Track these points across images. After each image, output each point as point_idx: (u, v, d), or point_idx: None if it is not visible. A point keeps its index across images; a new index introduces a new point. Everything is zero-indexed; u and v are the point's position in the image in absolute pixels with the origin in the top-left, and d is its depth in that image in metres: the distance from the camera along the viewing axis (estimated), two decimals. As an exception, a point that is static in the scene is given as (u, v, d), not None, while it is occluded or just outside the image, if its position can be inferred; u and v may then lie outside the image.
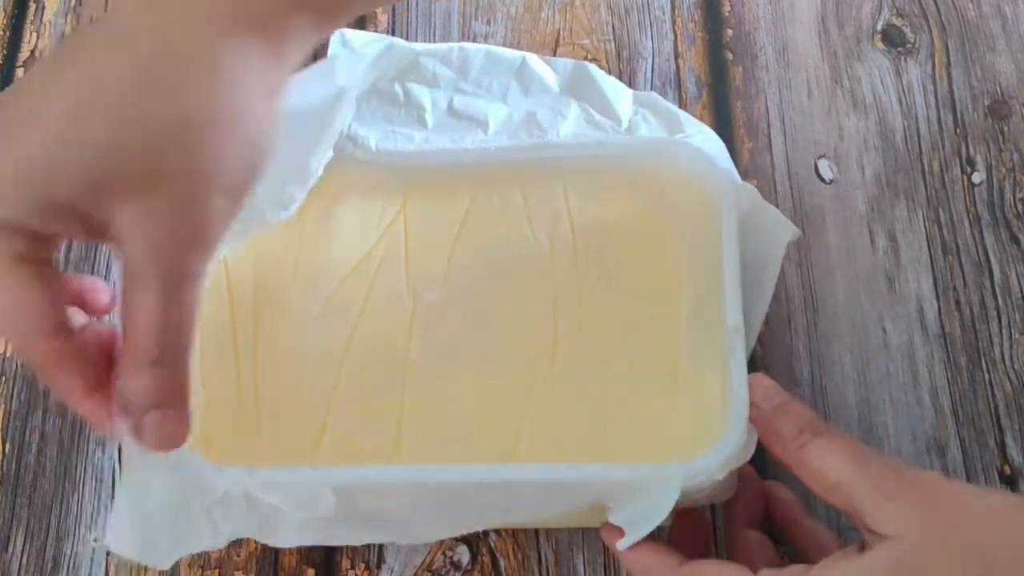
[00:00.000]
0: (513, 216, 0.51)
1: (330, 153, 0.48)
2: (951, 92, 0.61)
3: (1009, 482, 0.52)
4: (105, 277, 0.59)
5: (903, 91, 0.61)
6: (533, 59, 0.53)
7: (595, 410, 0.47)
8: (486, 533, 0.52)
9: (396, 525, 0.45)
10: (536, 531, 0.52)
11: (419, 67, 0.52)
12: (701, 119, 0.55)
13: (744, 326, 0.46)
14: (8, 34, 0.67)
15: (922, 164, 0.59)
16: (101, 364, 0.39)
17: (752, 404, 0.43)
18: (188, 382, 0.37)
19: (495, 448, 0.46)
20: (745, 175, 0.58)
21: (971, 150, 0.60)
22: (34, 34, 0.67)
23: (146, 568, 0.52)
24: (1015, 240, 0.57)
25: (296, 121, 0.42)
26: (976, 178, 0.59)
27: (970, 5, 0.64)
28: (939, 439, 0.54)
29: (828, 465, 0.41)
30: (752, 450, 0.44)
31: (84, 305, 0.41)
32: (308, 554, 0.52)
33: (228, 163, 0.36)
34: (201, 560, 0.52)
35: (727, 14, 0.65)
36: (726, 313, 0.46)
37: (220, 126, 0.35)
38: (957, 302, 0.56)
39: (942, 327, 0.56)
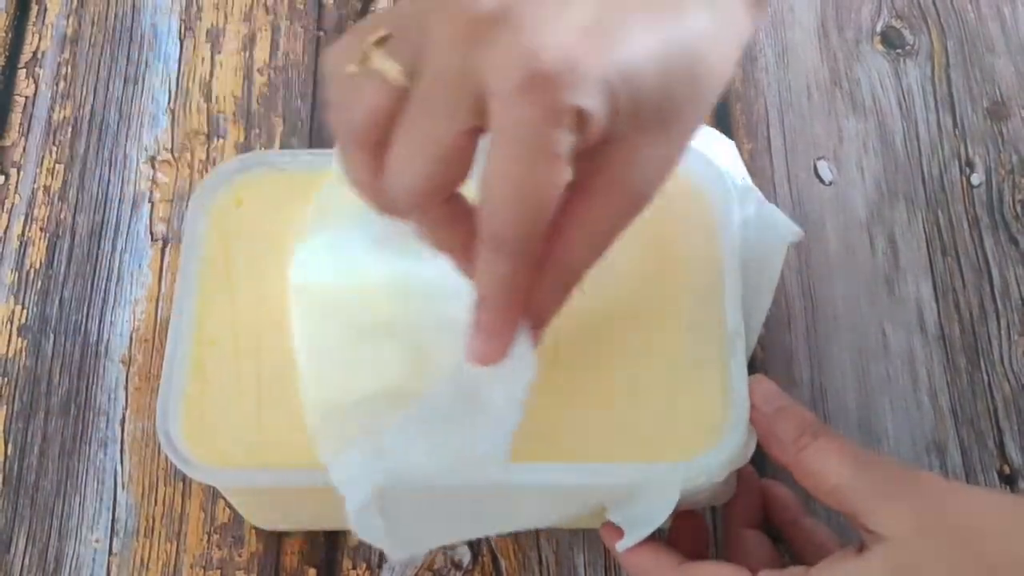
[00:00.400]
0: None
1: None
2: (950, 94, 0.62)
3: (1008, 482, 0.53)
4: (106, 279, 0.59)
5: (902, 93, 0.62)
6: None
7: (595, 411, 0.47)
8: (487, 533, 0.52)
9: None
10: (536, 531, 0.52)
11: None
12: (701, 121, 0.55)
13: (744, 328, 0.46)
14: (10, 35, 0.67)
15: (921, 166, 0.60)
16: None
17: (752, 407, 0.44)
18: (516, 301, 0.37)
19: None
20: (745, 177, 0.58)
21: (970, 152, 0.60)
22: (36, 35, 0.67)
23: (147, 569, 0.52)
24: (1014, 242, 0.58)
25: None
26: (975, 180, 0.59)
27: (969, 7, 0.64)
28: (938, 440, 0.54)
29: (827, 468, 0.41)
30: (752, 451, 0.44)
31: None
32: (309, 554, 0.52)
33: (708, 103, 0.37)
34: (203, 561, 0.52)
35: (727, 16, 0.65)
36: (726, 314, 0.46)
37: (716, 64, 0.36)
38: (956, 304, 0.56)
39: (941, 329, 0.56)
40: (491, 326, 0.38)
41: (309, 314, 0.48)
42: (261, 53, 0.66)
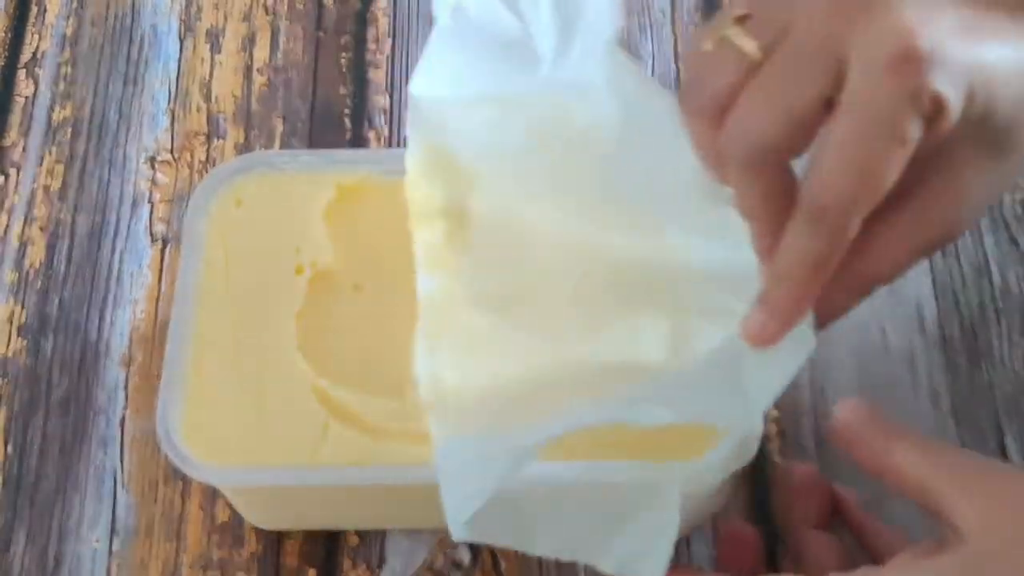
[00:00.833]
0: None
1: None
2: (950, 94, 0.62)
3: (1008, 483, 0.53)
4: (106, 279, 0.59)
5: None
6: None
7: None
8: (487, 533, 0.52)
9: None
10: (537, 531, 0.52)
11: None
12: (701, 121, 0.55)
13: None
14: (10, 36, 0.67)
15: (921, 166, 0.60)
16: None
17: (838, 420, 0.43)
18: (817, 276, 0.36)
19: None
20: (745, 177, 0.58)
21: (970, 152, 0.60)
22: (36, 36, 0.67)
23: (147, 569, 0.52)
24: (1014, 242, 0.58)
25: None
26: (975, 180, 0.59)
27: (969, 7, 0.64)
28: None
29: (908, 465, 0.40)
30: (753, 452, 0.44)
31: None
32: (309, 553, 0.52)
33: None
34: (202, 561, 0.52)
35: (727, 16, 0.65)
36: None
37: None
38: (956, 304, 0.56)
39: (941, 329, 0.56)
40: (781, 304, 0.37)
41: (432, 257, 0.48)
42: (261, 53, 0.66)
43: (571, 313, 0.46)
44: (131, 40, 0.66)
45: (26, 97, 0.65)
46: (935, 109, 0.34)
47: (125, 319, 0.58)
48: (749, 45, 0.35)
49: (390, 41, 0.66)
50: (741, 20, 0.35)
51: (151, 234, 0.60)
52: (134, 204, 0.61)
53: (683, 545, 0.51)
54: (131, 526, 0.53)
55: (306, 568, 0.52)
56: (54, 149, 0.63)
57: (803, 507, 0.46)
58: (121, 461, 0.54)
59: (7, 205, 0.61)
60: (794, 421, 0.54)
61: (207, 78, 0.65)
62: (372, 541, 0.52)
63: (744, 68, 0.35)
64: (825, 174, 0.35)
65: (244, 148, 0.63)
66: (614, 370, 0.45)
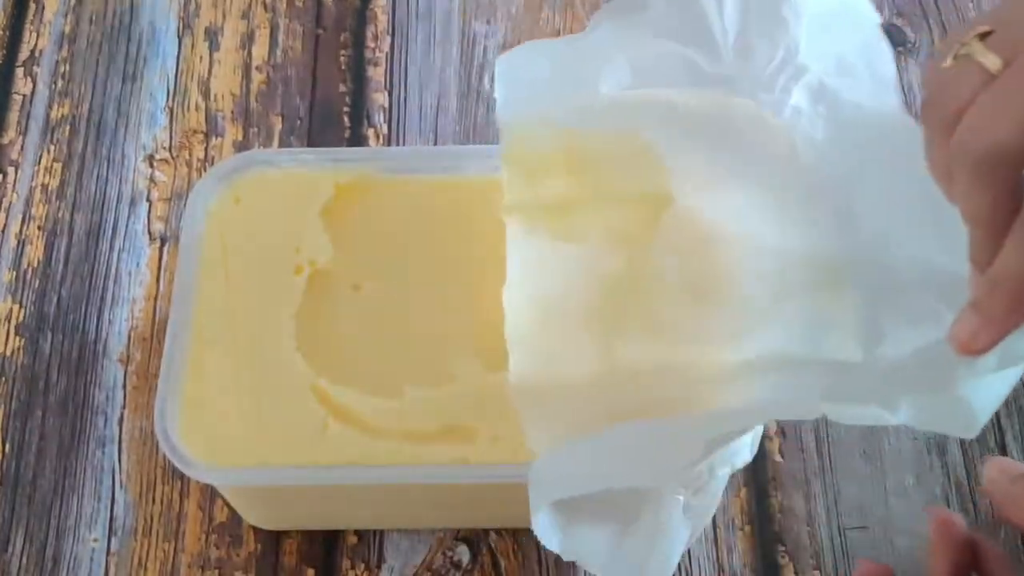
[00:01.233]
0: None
1: None
2: (951, 92, 0.61)
3: (1009, 482, 0.53)
4: (104, 277, 0.59)
5: (904, 90, 0.61)
6: None
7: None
8: (486, 533, 0.52)
9: None
10: (536, 531, 0.52)
11: None
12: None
13: None
14: (8, 34, 0.67)
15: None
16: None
17: (990, 480, 0.44)
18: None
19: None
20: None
21: (971, 150, 0.60)
22: (34, 34, 0.67)
23: (145, 568, 0.52)
24: None
25: None
26: (976, 178, 0.59)
27: (970, 4, 0.64)
28: (939, 439, 0.53)
29: None
30: (752, 453, 0.44)
31: None
32: (308, 553, 0.52)
33: None
34: (201, 560, 0.52)
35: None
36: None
37: None
38: (957, 302, 0.56)
39: (942, 327, 0.56)
40: (995, 311, 0.36)
41: (525, 254, 0.48)
42: (260, 51, 0.66)
43: (748, 306, 0.46)
44: (129, 38, 0.66)
45: (24, 95, 0.64)
46: None
47: (123, 318, 0.58)
48: (991, 60, 0.35)
49: (389, 39, 0.66)
50: (983, 36, 0.35)
51: (149, 233, 0.60)
52: (132, 203, 0.61)
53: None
54: (129, 525, 0.53)
55: (305, 568, 0.52)
56: (52, 147, 0.63)
57: (943, 560, 0.44)
58: (119, 460, 0.54)
59: (5, 204, 0.61)
60: (795, 420, 0.54)
61: (206, 76, 0.65)
62: (371, 541, 0.52)
63: (985, 82, 0.35)
64: None
65: (243, 146, 0.63)
66: (795, 364, 0.44)
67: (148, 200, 0.61)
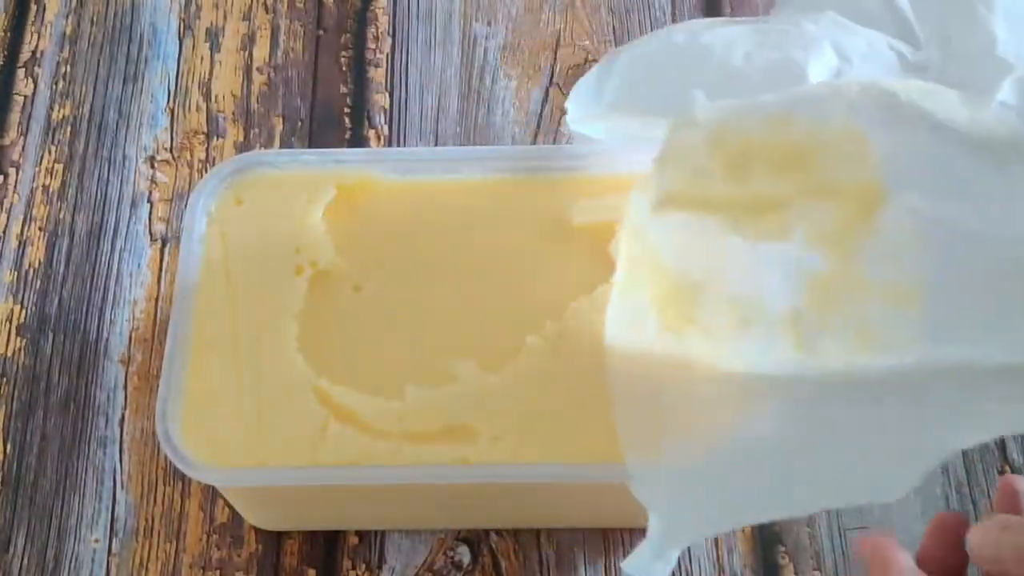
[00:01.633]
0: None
1: None
2: (951, 93, 0.61)
3: (1009, 483, 0.52)
4: (106, 278, 0.59)
5: None
6: None
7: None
8: (487, 533, 0.52)
9: None
10: (537, 531, 0.52)
11: None
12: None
13: None
14: (9, 35, 0.67)
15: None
16: None
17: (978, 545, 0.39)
18: None
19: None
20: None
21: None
22: (35, 35, 0.67)
23: (147, 569, 0.52)
24: None
25: None
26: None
27: (970, 6, 0.64)
28: (939, 440, 0.53)
29: None
30: None
31: None
32: (309, 554, 0.52)
33: None
34: (202, 561, 0.52)
35: (727, 14, 0.65)
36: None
37: None
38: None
39: (942, 328, 0.56)
40: None
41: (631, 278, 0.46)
42: (261, 52, 0.66)
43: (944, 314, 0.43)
44: (131, 39, 0.66)
45: (25, 96, 0.65)
46: None
47: (124, 319, 0.58)
48: None
49: (390, 40, 0.66)
50: None
51: (150, 233, 0.60)
52: (133, 203, 0.61)
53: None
54: (130, 526, 0.53)
55: (305, 568, 0.52)
56: (53, 148, 0.63)
57: (927, 549, 0.41)
58: (120, 461, 0.54)
59: (6, 205, 0.61)
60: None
61: (207, 77, 0.65)
62: (372, 541, 0.52)
63: None
64: None
65: (244, 147, 0.63)
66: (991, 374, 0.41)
67: (149, 201, 0.61)
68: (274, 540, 0.52)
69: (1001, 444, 0.53)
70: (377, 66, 0.65)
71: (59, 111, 0.64)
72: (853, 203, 0.44)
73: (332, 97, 0.64)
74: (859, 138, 0.44)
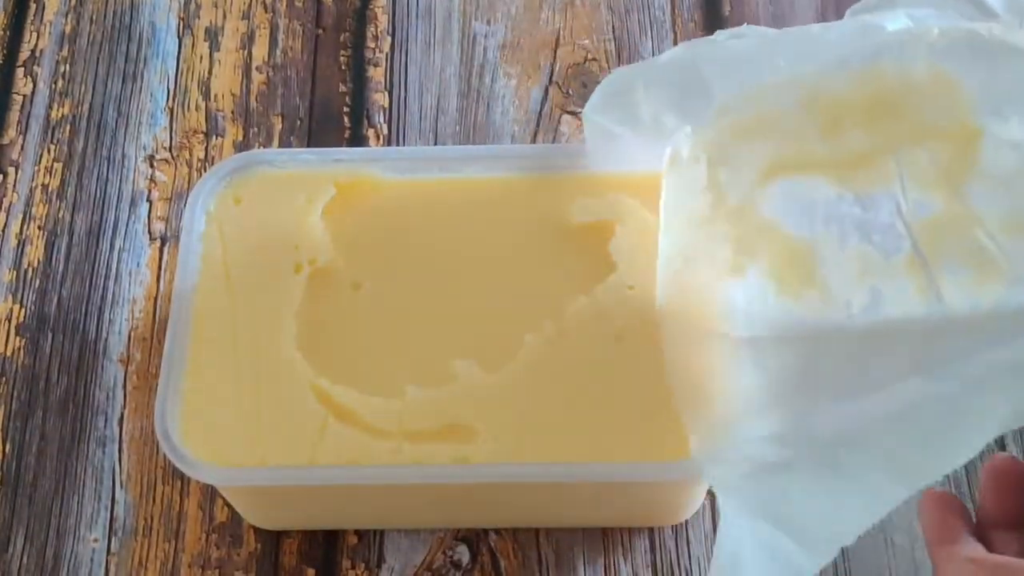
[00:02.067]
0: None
1: None
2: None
3: (1009, 482, 0.52)
4: (105, 277, 0.59)
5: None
6: None
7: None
8: (486, 533, 0.52)
9: None
10: (536, 531, 0.52)
11: None
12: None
13: None
14: (8, 34, 0.67)
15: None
16: None
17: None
18: None
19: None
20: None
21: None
22: (34, 34, 0.67)
23: (146, 568, 0.52)
24: None
25: None
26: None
27: (970, 5, 0.64)
28: (939, 439, 0.53)
29: None
30: None
31: None
32: (308, 553, 0.52)
33: None
34: (201, 560, 0.52)
35: (727, 14, 0.65)
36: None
37: None
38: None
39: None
40: None
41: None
42: (260, 51, 0.66)
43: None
44: (130, 38, 0.66)
45: (24, 95, 0.64)
46: None
47: (124, 318, 0.58)
48: None
49: (389, 39, 0.66)
50: None
51: (150, 232, 0.60)
52: (133, 202, 0.61)
53: (682, 540, 0.51)
54: (130, 525, 0.53)
55: (305, 568, 0.52)
56: (52, 147, 0.63)
57: (987, 501, 0.40)
58: (119, 460, 0.54)
59: (5, 204, 0.61)
60: None
61: (206, 76, 0.65)
62: (371, 541, 0.52)
63: None
64: None
65: (243, 146, 0.63)
66: None
67: (148, 200, 0.61)
68: (273, 539, 0.52)
69: (1001, 444, 0.53)
70: (376, 65, 0.65)
71: (58, 110, 0.64)
72: (951, 143, 0.44)
73: (331, 96, 0.64)
74: (946, 79, 0.45)
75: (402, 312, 0.50)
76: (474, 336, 0.49)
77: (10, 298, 0.58)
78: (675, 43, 0.64)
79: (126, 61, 0.66)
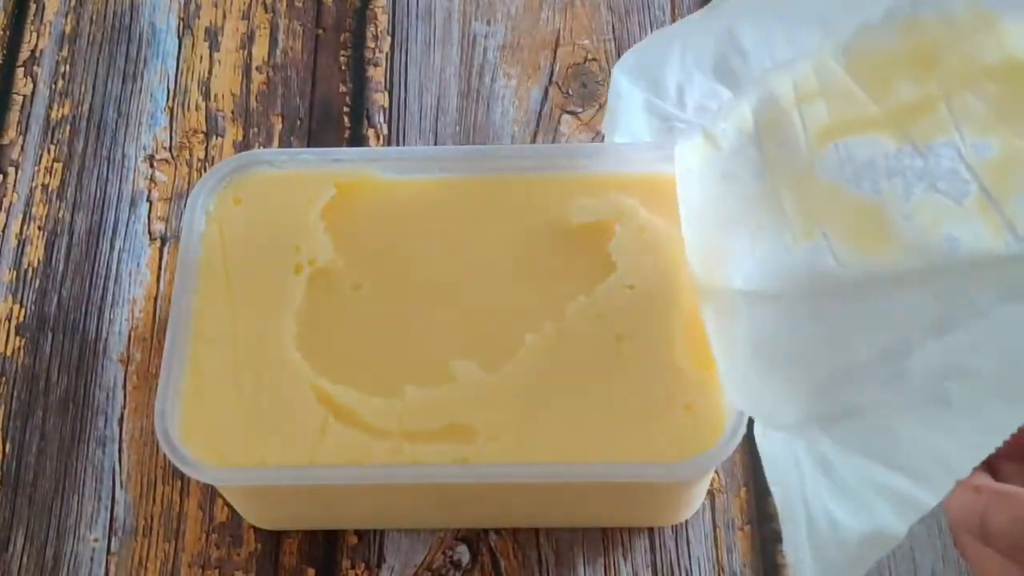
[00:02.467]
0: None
1: None
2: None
3: (1009, 482, 0.52)
4: (105, 277, 0.59)
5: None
6: None
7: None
8: (486, 533, 0.52)
9: None
10: (536, 531, 0.52)
11: None
12: (701, 119, 0.55)
13: None
14: (8, 34, 0.67)
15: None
16: None
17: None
18: None
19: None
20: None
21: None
22: (34, 34, 0.67)
23: (146, 568, 0.52)
24: (1015, 240, 0.57)
25: None
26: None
27: (970, 5, 0.64)
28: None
29: None
30: (732, 448, 0.44)
31: None
32: (308, 553, 0.52)
33: None
34: (201, 560, 0.52)
35: (727, 14, 0.65)
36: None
37: None
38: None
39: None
40: None
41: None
42: (260, 51, 0.66)
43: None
44: (130, 38, 0.66)
45: (24, 95, 0.65)
46: None
47: (124, 318, 0.58)
48: None
49: (389, 39, 0.66)
50: None
51: (150, 233, 0.60)
52: (133, 203, 0.61)
53: (682, 540, 0.51)
54: (130, 525, 0.53)
55: (305, 568, 0.52)
56: (52, 148, 0.63)
57: None
58: (119, 460, 0.54)
59: (5, 204, 0.61)
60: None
61: (206, 76, 0.65)
62: (371, 541, 0.52)
63: None
64: None
65: (243, 146, 0.63)
66: None
67: (148, 200, 0.61)
68: (273, 539, 0.52)
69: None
70: (376, 65, 0.65)
71: (58, 110, 0.64)
72: (1002, 83, 0.43)
73: (331, 96, 0.64)
74: (986, 16, 0.44)
75: (402, 312, 0.50)
76: (474, 336, 0.49)
77: (10, 298, 0.58)
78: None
79: (126, 61, 0.66)
